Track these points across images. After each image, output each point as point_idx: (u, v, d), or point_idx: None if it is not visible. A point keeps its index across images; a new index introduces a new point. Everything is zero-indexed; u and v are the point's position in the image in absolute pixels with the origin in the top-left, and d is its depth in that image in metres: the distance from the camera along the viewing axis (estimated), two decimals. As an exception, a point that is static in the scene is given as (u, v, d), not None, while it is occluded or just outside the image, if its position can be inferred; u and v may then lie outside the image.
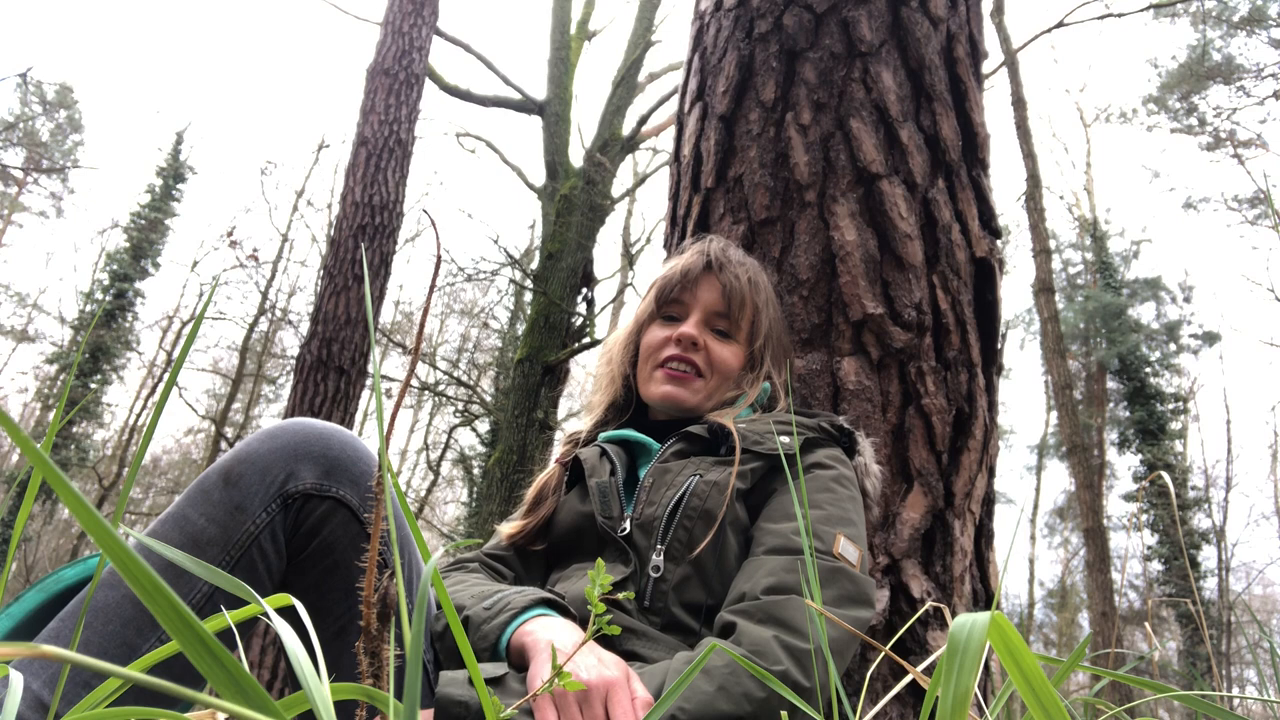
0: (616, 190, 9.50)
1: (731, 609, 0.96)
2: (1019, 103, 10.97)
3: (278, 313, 15.50)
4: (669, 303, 1.32)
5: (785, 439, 1.14)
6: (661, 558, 1.05)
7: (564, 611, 0.99)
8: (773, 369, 1.32)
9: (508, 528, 1.25)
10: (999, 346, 1.66)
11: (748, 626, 0.91)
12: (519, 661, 0.91)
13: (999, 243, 1.75)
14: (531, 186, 9.52)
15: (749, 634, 0.90)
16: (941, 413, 1.50)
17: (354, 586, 0.96)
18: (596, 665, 0.83)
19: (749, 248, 1.64)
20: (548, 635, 0.89)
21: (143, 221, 15.81)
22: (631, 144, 9.09)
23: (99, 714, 0.34)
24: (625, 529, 1.09)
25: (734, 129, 1.75)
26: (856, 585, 0.99)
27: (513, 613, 0.95)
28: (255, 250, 14.39)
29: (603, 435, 1.28)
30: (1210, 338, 16.24)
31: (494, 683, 0.86)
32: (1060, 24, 10.34)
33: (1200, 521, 14.29)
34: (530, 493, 1.28)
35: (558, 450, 1.38)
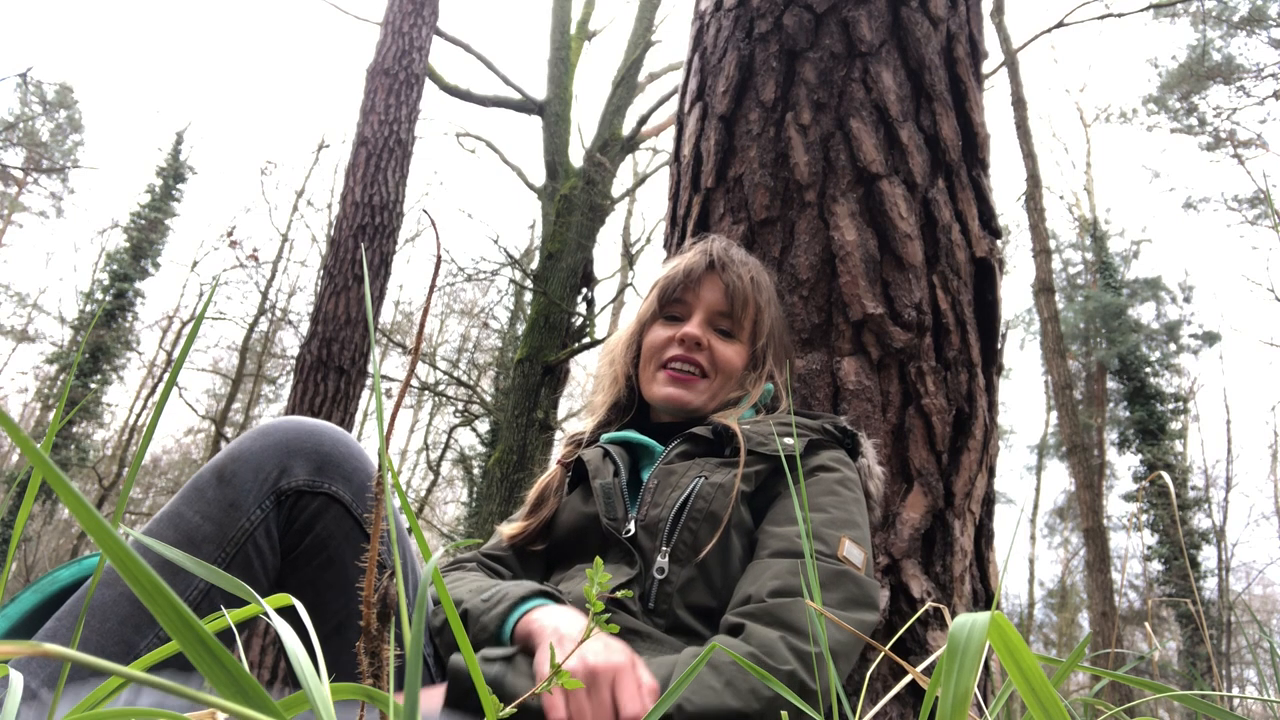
0: (616, 190, 9.51)
1: (737, 611, 0.96)
2: (1019, 103, 10.97)
3: (278, 313, 15.50)
4: (672, 302, 1.32)
5: (789, 441, 1.14)
6: (666, 560, 1.04)
7: (559, 604, 0.99)
8: (775, 368, 1.32)
9: (508, 528, 1.25)
10: (999, 346, 1.66)
11: (755, 628, 0.92)
12: (524, 650, 0.91)
13: (999, 243, 1.75)
14: (531, 186, 9.53)
15: (757, 635, 0.91)
16: (941, 413, 1.50)
17: (350, 583, 0.96)
18: (604, 651, 0.84)
19: (749, 248, 1.64)
20: (553, 622, 0.89)
21: (143, 221, 15.81)
22: (631, 144, 9.09)
23: (99, 714, 0.34)
24: (630, 530, 1.09)
25: (734, 129, 1.75)
26: (861, 588, 0.99)
27: (511, 602, 0.95)
28: (255, 250, 14.40)
29: (605, 436, 1.28)
30: (1210, 338, 16.24)
31: (506, 661, 0.87)
32: (1060, 24, 10.34)
33: (1200, 521, 14.29)
34: (532, 494, 1.28)
35: (559, 451, 1.38)
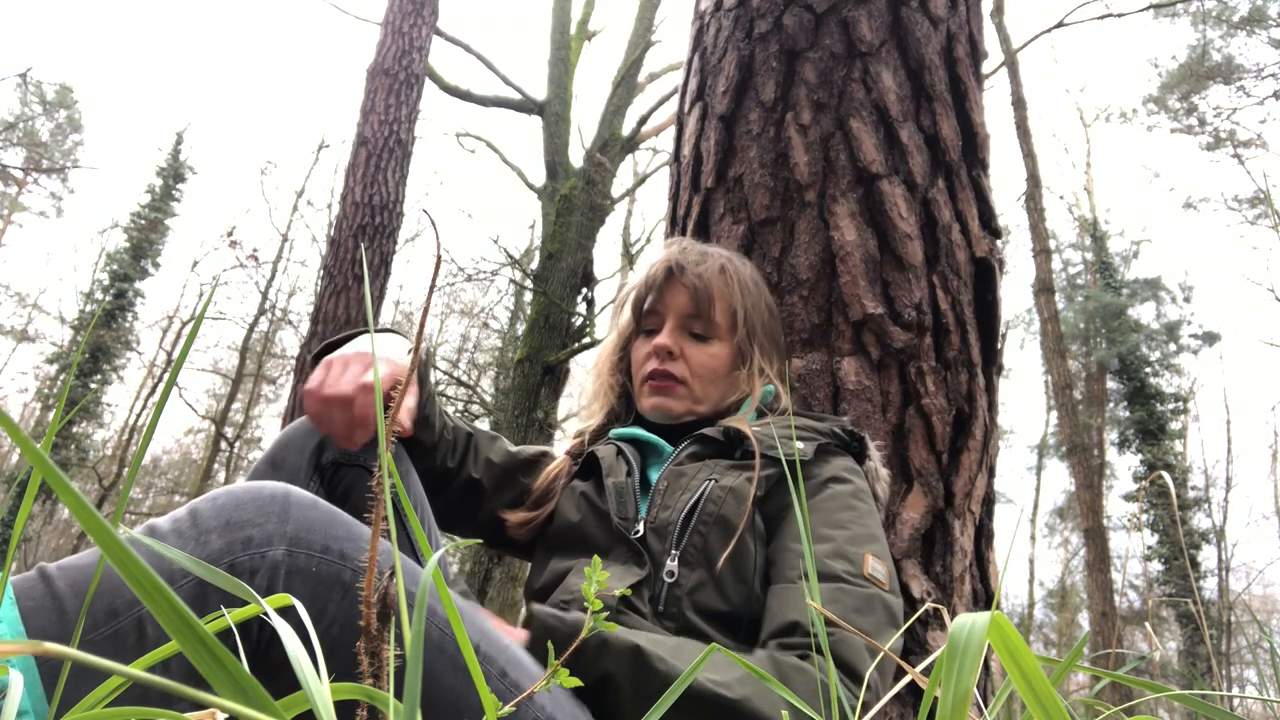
0: (616, 190, 9.50)
1: (784, 641, 0.95)
2: (1019, 103, 10.97)
3: (278, 313, 15.51)
4: (646, 315, 1.33)
5: (800, 445, 1.14)
6: (676, 563, 1.04)
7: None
8: (764, 359, 1.30)
9: (514, 517, 1.26)
10: (999, 346, 1.66)
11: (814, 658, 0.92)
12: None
13: (999, 243, 1.75)
14: (531, 186, 9.52)
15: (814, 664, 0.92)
16: (941, 413, 1.50)
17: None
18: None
19: (749, 248, 1.64)
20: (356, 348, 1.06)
21: (143, 221, 15.81)
22: (631, 144, 9.10)
23: (99, 714, 0.34)
24: (639, 531, 1.09)
25: (734, 129, 1.75)
26: (890, 611, 0.99)
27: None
28: (255, 250, 14.42)
29: (614, 432, 1.29)
30: (1210, 338, 16.23)
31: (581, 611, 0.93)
32: (1060, 24, 10.34)
33: (1200, 521, 14.30)
34: (539, 484, 1.27)
35: (563, 445, 1.38)
